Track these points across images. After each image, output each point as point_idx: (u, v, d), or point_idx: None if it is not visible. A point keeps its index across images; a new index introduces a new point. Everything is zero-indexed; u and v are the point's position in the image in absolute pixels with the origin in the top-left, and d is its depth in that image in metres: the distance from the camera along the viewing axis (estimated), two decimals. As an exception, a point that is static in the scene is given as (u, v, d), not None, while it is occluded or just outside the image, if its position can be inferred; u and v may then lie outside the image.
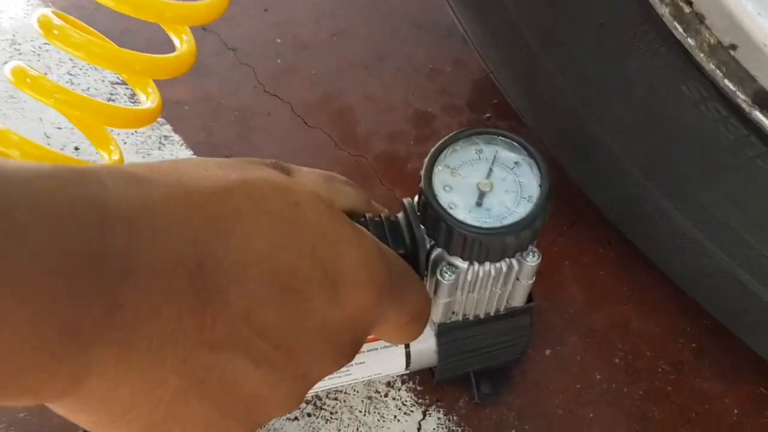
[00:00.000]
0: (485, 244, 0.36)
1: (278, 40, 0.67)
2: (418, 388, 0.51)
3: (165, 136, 0.61)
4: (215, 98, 0.63)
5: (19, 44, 0.66)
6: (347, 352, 0.34)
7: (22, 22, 0.67)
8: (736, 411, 0.50)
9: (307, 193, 0.32)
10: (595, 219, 0.55)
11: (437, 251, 0.39)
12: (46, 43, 0.65)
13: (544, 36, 0.48)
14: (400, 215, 0.40)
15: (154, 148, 0.60)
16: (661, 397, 0.50)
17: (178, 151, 0.60)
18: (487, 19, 0.52)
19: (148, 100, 0.42)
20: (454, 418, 0.49)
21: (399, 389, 0.50)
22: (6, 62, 0.51)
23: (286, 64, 0.65)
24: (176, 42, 0.39)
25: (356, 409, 0.49)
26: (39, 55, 0.65)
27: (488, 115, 0.62)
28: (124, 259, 0.25)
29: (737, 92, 0.40)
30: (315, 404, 0.49)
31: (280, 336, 0.30)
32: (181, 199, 0.28)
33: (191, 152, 0.60)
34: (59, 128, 0.60)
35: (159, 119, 0.62)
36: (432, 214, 0.37)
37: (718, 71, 0.41)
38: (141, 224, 0.26)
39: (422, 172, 0.37)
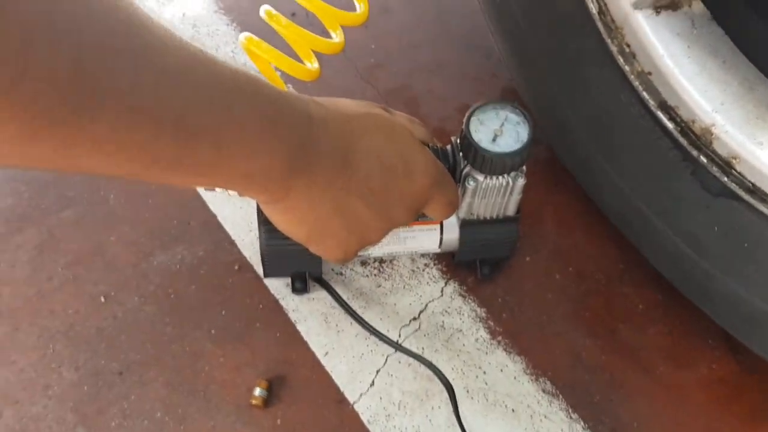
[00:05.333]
0: (495, 162, 0.66)
1: (372, 46, 0.98)
2: (444, 268, 0.80)
3: (293, 100, 0.92)
4: (327, 80, 0.94)
5: (198, 28, 0.97)
6: (412, 211, 0.61)
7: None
8: (640, 306, 0.79)
9: (400, 123, 0.62)
10: (571, 183, 0.85)
11: (467, 169, 0.68)
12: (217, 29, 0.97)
13: (547, 59, 0.78)
14: (448, 147, 0.70)
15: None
16: (595, 293, 0.79)
17: (301, 109, 0.91)
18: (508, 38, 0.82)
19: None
20: (464, 287, 0.79)
21: (431, 267, 0.80)
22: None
23: (377, 62, 0.96)
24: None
25: (404, 275, 0.79)
26: (211, 36, 0.97)
27: (509, 111, 0.92)
28: (315, 141, 0.49)
29: (649, 100, 0.70)
30: (379, 268, 0.79)
31: (380, 192, 0.57)
32: (339, 117, 0.54)
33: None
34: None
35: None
36: (468, 144, 0.66)
37: (640, 87, 0.70)
38: (324, 126, 0.51)
39: (464, 121, 0.67)
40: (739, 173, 0.66)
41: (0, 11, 0.29)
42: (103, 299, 0.76)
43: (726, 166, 0.67)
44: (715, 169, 0.67)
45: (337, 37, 0.69)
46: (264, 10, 0.67)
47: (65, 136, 0.35)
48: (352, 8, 0.71)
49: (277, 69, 0.70)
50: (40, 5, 0.31)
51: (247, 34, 0.69)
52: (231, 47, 0.96)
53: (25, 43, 0.30)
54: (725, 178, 0.67)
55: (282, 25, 0.66)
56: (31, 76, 0.31)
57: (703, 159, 0.67)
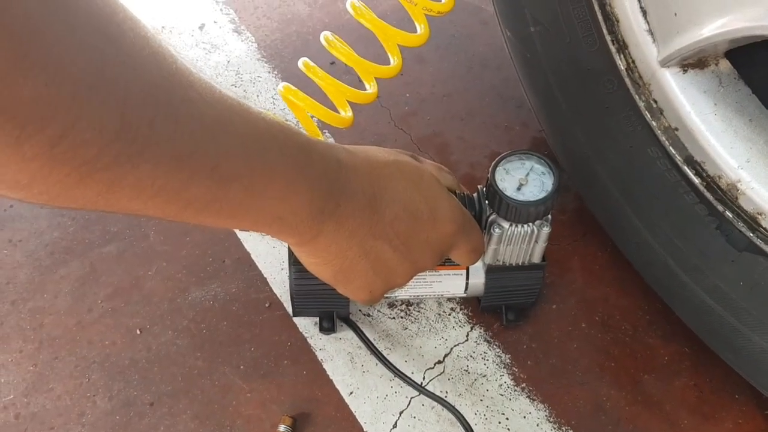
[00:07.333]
0: (520, 210, 0.67)
1: (407, 95, 1.01)
2: (469, 313, 0.81)
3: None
4: (362, 126, 0.97)
5: (241, 74, 1.02)
6: (437, 256, 0.63)
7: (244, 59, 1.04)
8: (666, 358, 0.78)
9: (427, 171, 0.64)
10: (599, 233, 0.85)
11: (492, 216, 0.70)
12: (259, 76, 1.01)
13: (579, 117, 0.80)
14: (475, 195, 0.72)
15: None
16: (620, 344, 0.79)
17: (336, 154, 0.94)
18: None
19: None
20: (489, 333, 0.80)
21: (458, 311, 0.81)
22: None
23: (411, 109, 0.99)
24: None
25: (430, 318, 0.81)
26: (254, 83, 1.01)
27: (539, 160, 0.94)
28: (344, 187, 0.52)
29: (676, 155, 0.71)
30: (405, 311, 0.81)
31: (405, 238, 0.59)
32: (368, 163, 0.57)
33: (344, 156, 0.94)
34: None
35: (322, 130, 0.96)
36: (493, 193, 0.68)
37: (667, 142, 0.71)
38: (353, 172, 0.54)
39: (490, 170, 0.69)
40: (765, 229, 0.67)
41: (53, 68, 0.32)
42: (138, 332, 0.79)
43: (752, 221, 0.67)
44: (740, 225, 0.68)
45: (371, 88, 0.72)
46: (302, 62, 0.70)
47: (108, 180, 0.38)
48: (387, 61, 0.74)
49: (312, 116, 0.74)
50: (91, 63, 0.34)
51: (285, 84, 0.73)
52: (271, 93, 1.00)
53: (76, 98, 0.33)
54: (751, 234, 0.67)
55: (319, 76, 0.69)
56: (80, 127, 0.34)
57: (729, 214, 0.68)
